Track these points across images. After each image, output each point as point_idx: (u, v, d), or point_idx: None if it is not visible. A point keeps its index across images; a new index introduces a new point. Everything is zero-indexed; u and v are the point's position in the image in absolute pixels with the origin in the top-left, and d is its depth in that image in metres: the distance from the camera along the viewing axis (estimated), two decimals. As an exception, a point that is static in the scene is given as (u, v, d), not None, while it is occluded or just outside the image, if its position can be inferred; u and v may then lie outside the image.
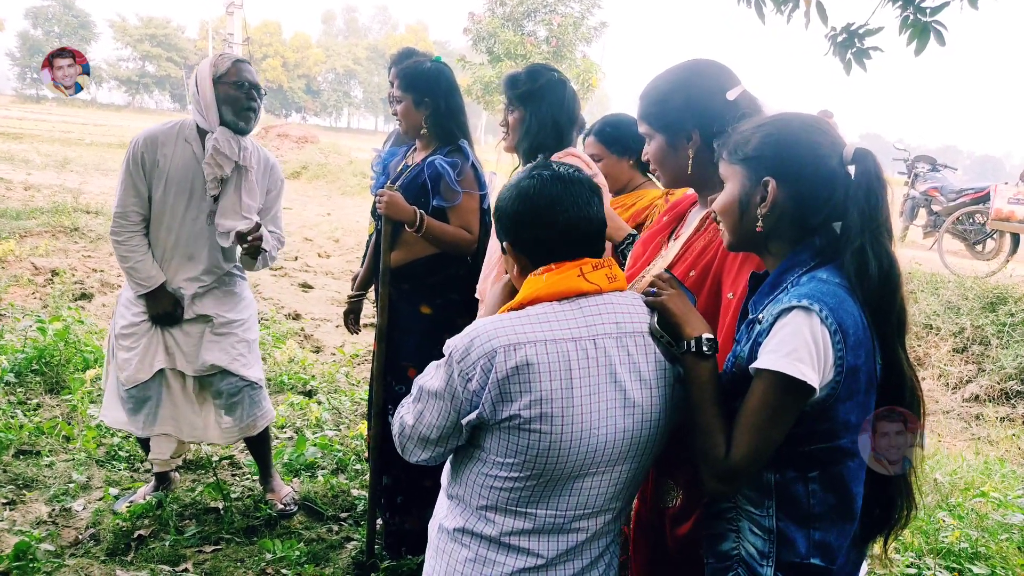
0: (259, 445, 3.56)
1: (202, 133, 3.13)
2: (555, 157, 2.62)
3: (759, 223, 1.53)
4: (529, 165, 1.67)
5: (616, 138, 3.04)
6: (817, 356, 1.38)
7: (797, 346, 1.38)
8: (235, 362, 3.31)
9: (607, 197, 2.57)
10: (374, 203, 3.10)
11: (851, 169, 1.50)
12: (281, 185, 3.44)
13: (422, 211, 2.89)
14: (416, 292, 3.05)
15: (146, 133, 3.14)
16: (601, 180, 2.71)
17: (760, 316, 1.49)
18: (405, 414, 1.62)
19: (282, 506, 3.47)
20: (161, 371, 3.23)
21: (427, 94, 3.01)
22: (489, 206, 3.10)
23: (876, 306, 1.46)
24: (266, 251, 3.20)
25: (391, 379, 3.09)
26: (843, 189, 1.49)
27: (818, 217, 1.53)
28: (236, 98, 3.10)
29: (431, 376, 1.57)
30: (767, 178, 1.51)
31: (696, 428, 1.53)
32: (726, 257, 1.77)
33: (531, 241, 1.59)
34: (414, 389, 1.61)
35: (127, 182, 3.11)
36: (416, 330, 3.04)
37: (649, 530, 1.89)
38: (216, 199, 3.17)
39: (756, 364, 1.43)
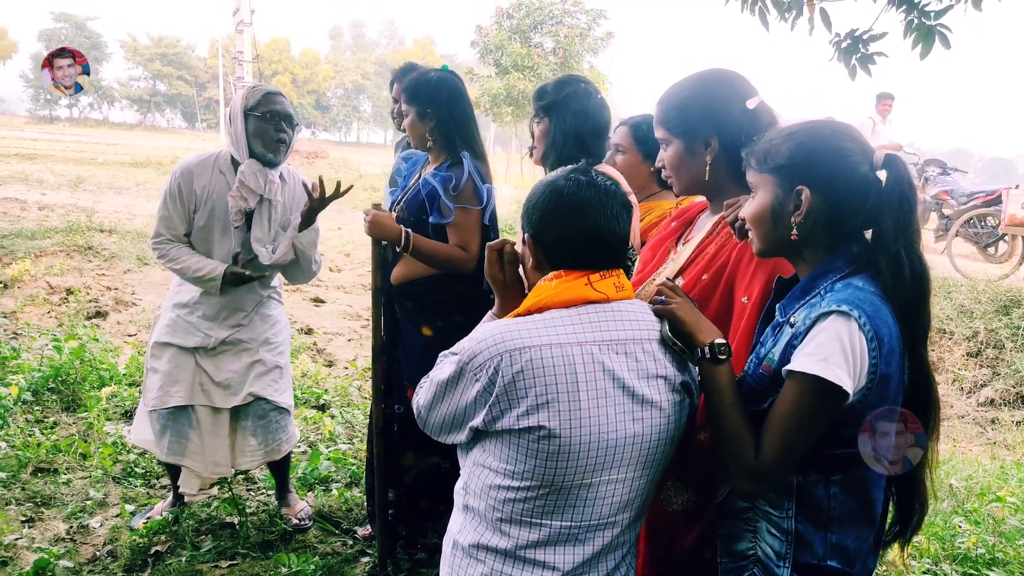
0: (278, 462, 3.58)
1: (236, 164, 3.17)
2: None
3: (794, 231, 1.54)
4: (569, 167, 1.66)
5: (648, 139, 2.86)
6: (853, 361, 1.39)
7: (834, 351, 1.39)
8: (267, 388, 3.34)
9: (636, 213, 2.55)
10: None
11: (881, 175, 1.50)
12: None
13: (408, 229, 2.83)
14: (419, 312, 3.02)
15: (183, 165, 3.21)
16: (634, 199, 2.68)
17: (792, 319, 1.50)
18: (421, 395, 1.67)
19: (297, 521, 3.49)
20: (191, 406, 3.26)
21: (430, 105, 2.95)
22: (495, 220, 3.05)
23: (907, 311, 1.47)
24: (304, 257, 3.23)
25: (392, 399, 3.08)
26: (875, 195, 1.50)
27: (853, 224, 1.54)
28: (265, 130, 3.13)
29: (442, 369, 1.60)
30: (800, 187, 1.52)
31: (722, 433, 1.54)
32: (739, 261, 1.79)
33: (553, 240, 1.61)
34: (427, 378, 1.66)
35: (164, 213, 3.18)
36: (417, 351, 3.00)
37: (652, 532, 1.90)
38: (246, 230, 3.21)
39: (791, 366, 1.44)
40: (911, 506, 1.60)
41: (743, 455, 1.49)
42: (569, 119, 2.72)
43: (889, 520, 1.64)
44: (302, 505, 3.60)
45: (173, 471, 3.41)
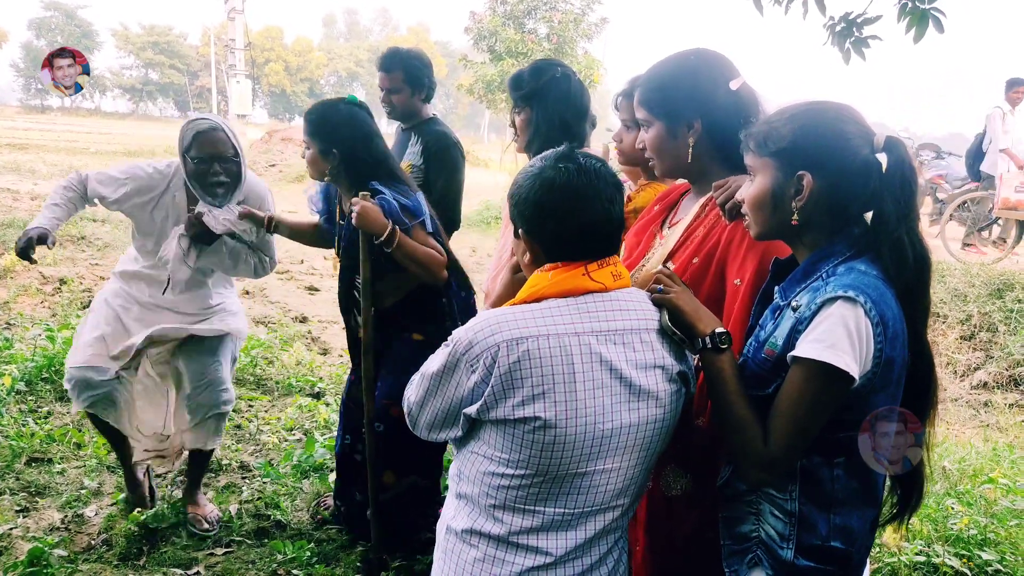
0: (204, 457, 3.46)
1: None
2: None
3: (794, 216, 1.53)
4: (553, 153, 1.60)
5: None
6: (859, 347, 1.40)
7: (841, 336, 1.39)
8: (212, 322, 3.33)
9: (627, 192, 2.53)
10: (338, 240, 3.03)
11: (881, 157, 1.49)
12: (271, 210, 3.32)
13: (396, 225, 2.71)
14: (410, 321, 3.01)
15: (139, 177, 3.18)
16: (624, 177, 2.67)
17: (794, 303, 1.50)
18: (412, 392, 1.64)
19: (208, 524, 3.30)
20: (119, 377, 3.20)
21: (335, 144, 2.80)
22: (436, 225, 2.97)
23: (910, 294, 1.47)
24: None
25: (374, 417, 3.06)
26: (876, 179, 1.49)
27: (854, 208, 1.53)
28: (201, 173, 3.05)
29: (432, 361, 1.58)
30: (803, 171, 1.50)
31: (728, 423, 1.54)
32: (730, 243, 1.77)
33: (549, 234, 1.58)
34: (417, 374, 1.63)
35: (104, 179, 3.16)
36: (404, 358, 2.93)
37: (651, 518, 1.90)
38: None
39: (797, 352, 1.43)
40: (910, 487, 1.61)
41: (752, 444, 1.49)
42: (551, 106, 2.70)
43: (887, 501, 1.64)
44: (212, 508, 3.43)
45: (115, 442, 3.36)
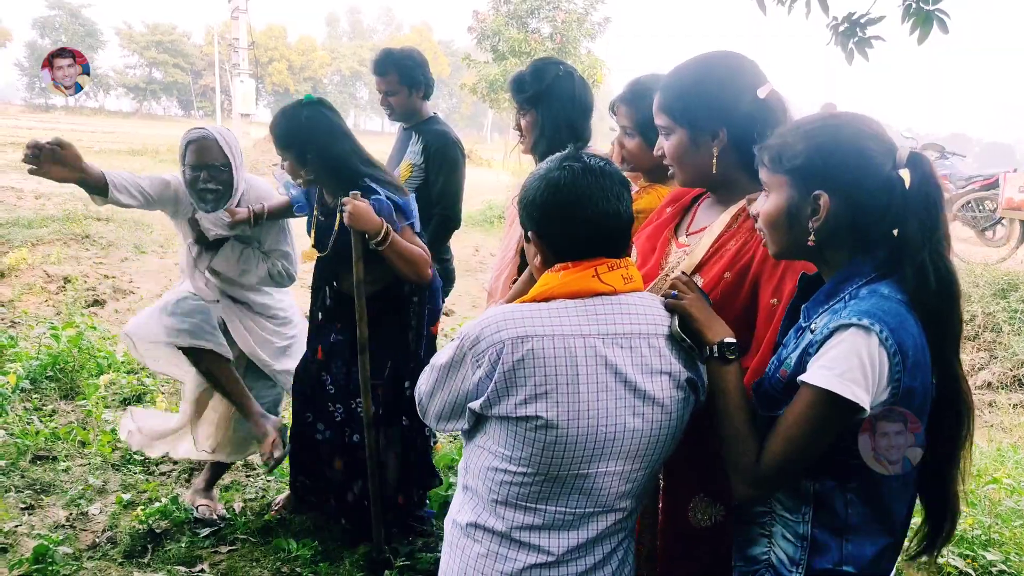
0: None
1: None
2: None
3: (811, 236, 1.46)
4: (558, 155, 1.61)
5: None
6: (872, 377, 1.33)
7: (852, 366, 1.33)
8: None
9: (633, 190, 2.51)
10: (319, 229, 3.07)
11: (904, 174, 1.41)
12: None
13: (388, 224, 2.75)
14: (383, 306, 3.03)
15: (164, 187, 3.23)
16: (629, 174, 2.66)
17: (813, 325, 1.44)
18: (422, 382, 1.67)
19: (215, 516, 3.38)
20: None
21: (308, 150, 2.88)
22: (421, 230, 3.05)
23: (935, 320, 1.40)
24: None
25: (318, 408, 3.20)
26: (899, 198, 1.41)
27: (876, 228, 1.45)
28: (193, 181, 3.13)
29: (442, 353, 1.60)
30: (819, 192, 1.43)
31: (726, 435, 1.52)
32: (765, 260, 1.70)
33: (557, 234, 1.58)
34: (429, 365, 1.66)
35: (151, 180, 3.18)
36: (388, 345, 3.04)
37: (677, 546, 1.85)
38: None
39: (806, 377, 1.38)
40: (941, 517, 1.53)
41: (744, 459, 1.47)
42: (557, 108, 2.68)
43: (919, 532, 1.57)
44: (218, 506, 3.50)
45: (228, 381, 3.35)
